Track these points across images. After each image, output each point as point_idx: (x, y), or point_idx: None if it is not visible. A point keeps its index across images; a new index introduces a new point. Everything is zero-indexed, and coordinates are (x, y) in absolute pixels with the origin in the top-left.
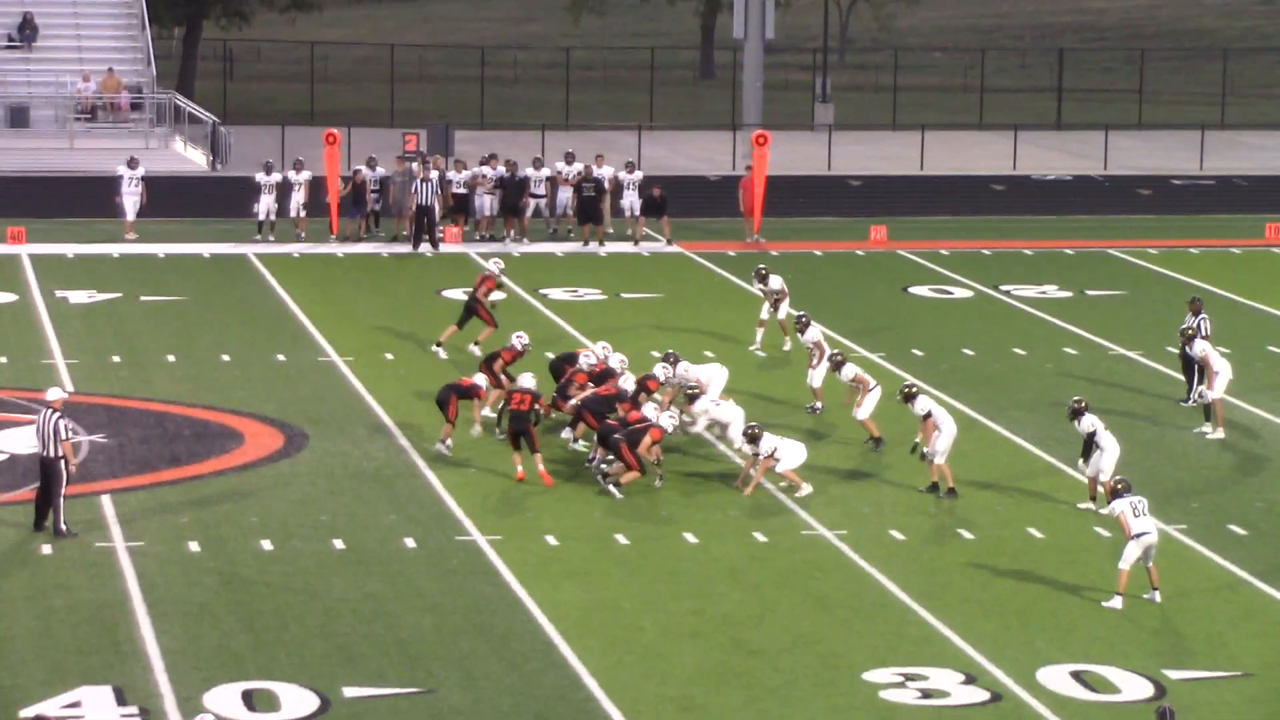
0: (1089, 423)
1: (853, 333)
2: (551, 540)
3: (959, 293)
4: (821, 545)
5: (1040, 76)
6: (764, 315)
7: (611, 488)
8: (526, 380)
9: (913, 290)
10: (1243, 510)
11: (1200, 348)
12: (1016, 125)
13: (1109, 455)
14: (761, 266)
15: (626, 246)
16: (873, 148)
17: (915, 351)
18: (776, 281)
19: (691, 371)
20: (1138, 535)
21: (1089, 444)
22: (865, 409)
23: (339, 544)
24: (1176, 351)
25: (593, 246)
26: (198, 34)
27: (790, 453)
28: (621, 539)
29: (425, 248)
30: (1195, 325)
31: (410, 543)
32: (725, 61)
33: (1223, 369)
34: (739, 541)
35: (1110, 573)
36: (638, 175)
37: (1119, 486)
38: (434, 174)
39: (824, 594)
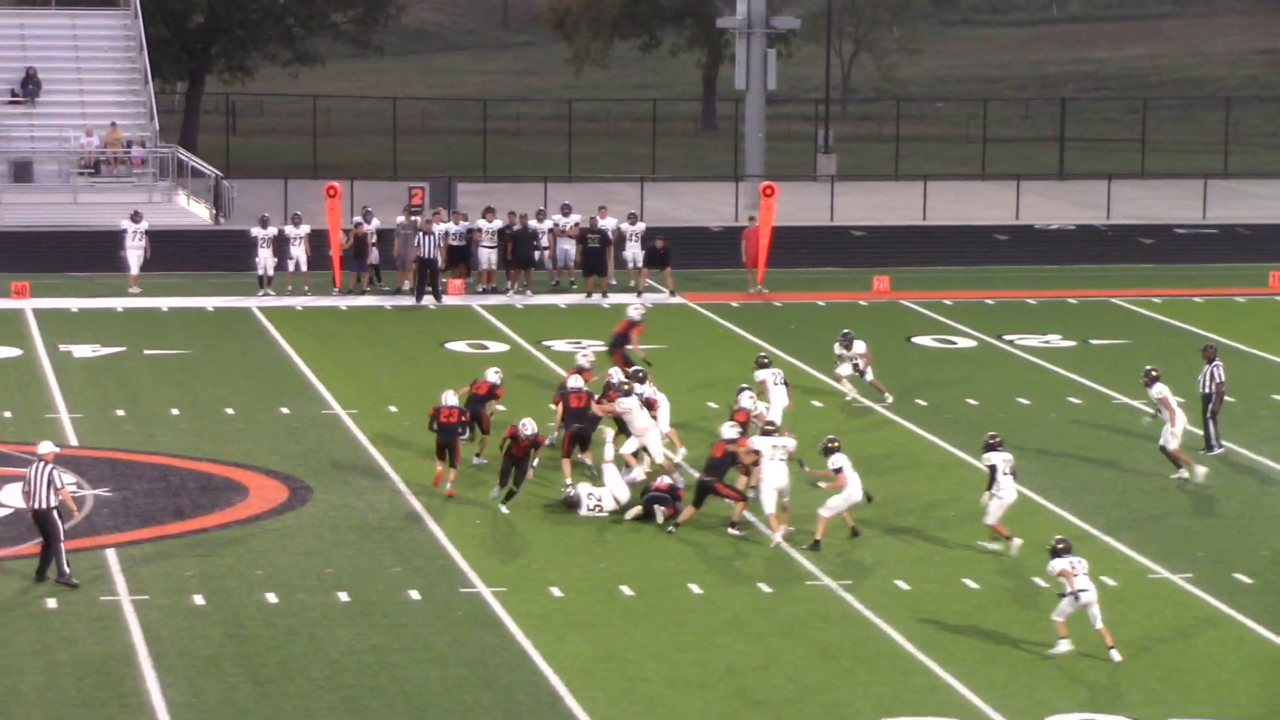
0: (1159, 390)
1: (855, 383)
2: (556, 591)
3: (963, 342)
4: (826, 595)
5: (1043, 126)
6: (841, 372)
7: (671, 529)
8: (450, 398)
9: (916, 340)
10: (1249, 559)
11: (1158, 390)
12: (1019, 175)
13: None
14: (848, 331)
15: (630, 298)
16: (876, 198)
17: (919, 401)
18: (861, 346)
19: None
20: (1078, 592)
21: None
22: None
23: (344, 596)
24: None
25: (596, 298)
26: (200, 88)
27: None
28: (626, 590)
29: (428, 300)
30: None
31: (415, 595)
32: (727, 113)
33: (1179, 415)
34: (744, 592)
35: (1118, 621)
36: (640, 226)
37: (1059, 546)
38: (437, 227)
39: (829, 644)
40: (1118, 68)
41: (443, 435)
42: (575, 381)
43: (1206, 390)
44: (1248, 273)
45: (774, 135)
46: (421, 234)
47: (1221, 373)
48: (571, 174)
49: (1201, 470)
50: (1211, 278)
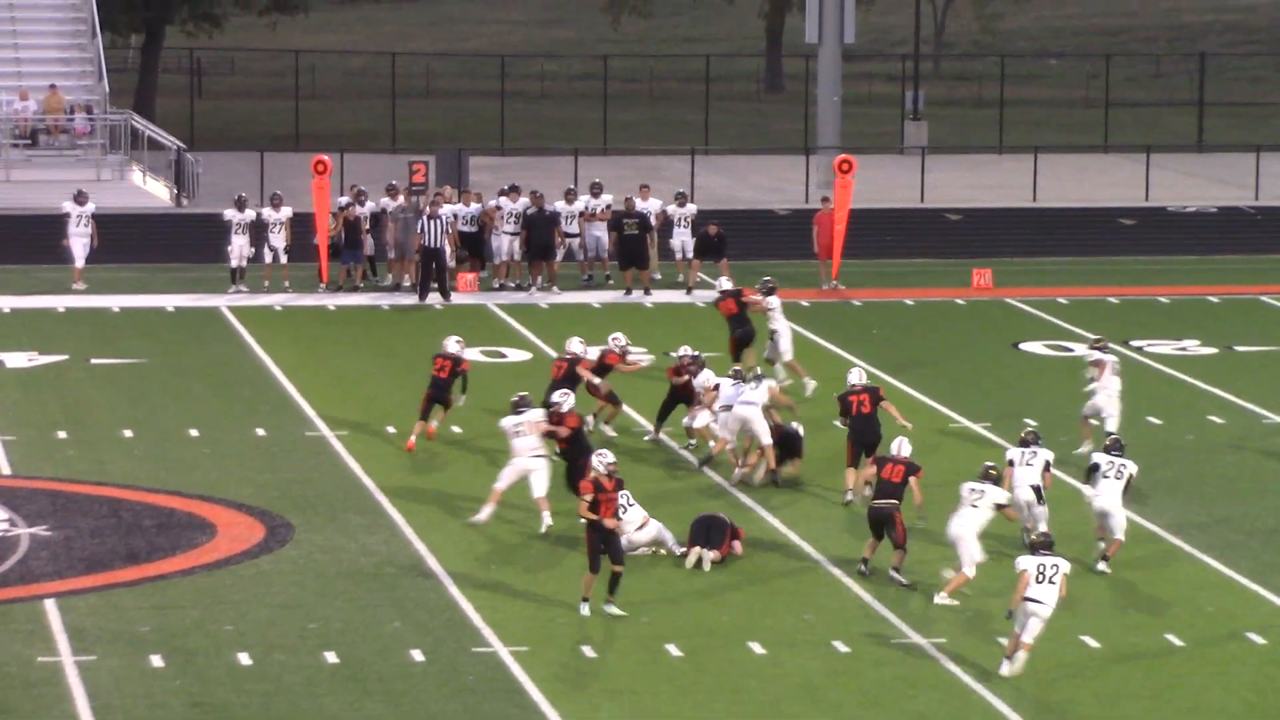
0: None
1: (951, 398)
2: (588, 651)
3: (1081, 349)
4: (915, 656)
5: (1178, 88)
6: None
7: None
8: (451, 345)
9: (1024, 347)
10: None
11: None
12: (1149, 147)
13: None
14: (769, 279)
15: (678, 295)
16: (975, 175)
17: (1028, 421)
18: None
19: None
20: (1029, 599)
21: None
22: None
23: (331, 657)
24: None
25: (636, 295)
26: (159, 42)
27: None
28: (673, 650)
29: (434, 298)
30: None
31: (418, 655)
32: (796, 72)
33: None
34: (816, 652)
35: (1267, 686)
36: (690, 209)
37: (1037, 539)
38: (444, 210)
39: (920, 715)
40: (1268, 16)
41: (433, 389)
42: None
43: None
44: None
45: (852, 99)
46: (425, 218)
47: None
48: (607, 145)
49: None
50: None
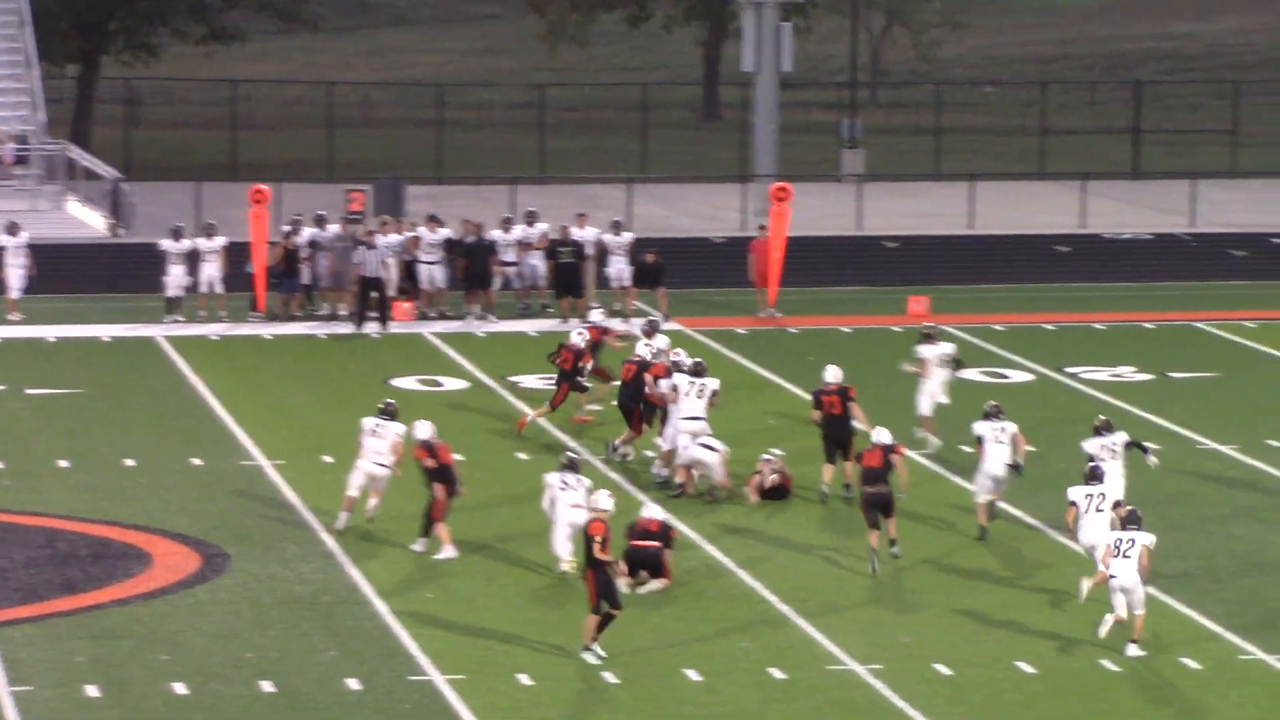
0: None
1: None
2: (525, 680)
3: (1016, 376)
4: (852, 683)
5: (1113, 115)
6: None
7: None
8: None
9: (960, 374)
10: None
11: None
12: (1085, 174)
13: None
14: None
15: (615, 324)
16: (912, 202)
17: (964, 449)
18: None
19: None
20: (1111, 575)
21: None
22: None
23: (267, 686)
24: None
25: (573, 323)
26: (96, 72)
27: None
28: (610, 678)
29: (372, 327)
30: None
31: (354, 684)
32: (733, 100)
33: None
34: (751, 680)
35: (1201, 709)
36: (627, 237)
37: (1124, 515)
38: (382, 240)
39: None
40: (1203, 44)
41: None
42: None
43: None
44: None
45: (789, 127)
46: (364, 247)
47: None
48: (545, 174)
49: None
50: None
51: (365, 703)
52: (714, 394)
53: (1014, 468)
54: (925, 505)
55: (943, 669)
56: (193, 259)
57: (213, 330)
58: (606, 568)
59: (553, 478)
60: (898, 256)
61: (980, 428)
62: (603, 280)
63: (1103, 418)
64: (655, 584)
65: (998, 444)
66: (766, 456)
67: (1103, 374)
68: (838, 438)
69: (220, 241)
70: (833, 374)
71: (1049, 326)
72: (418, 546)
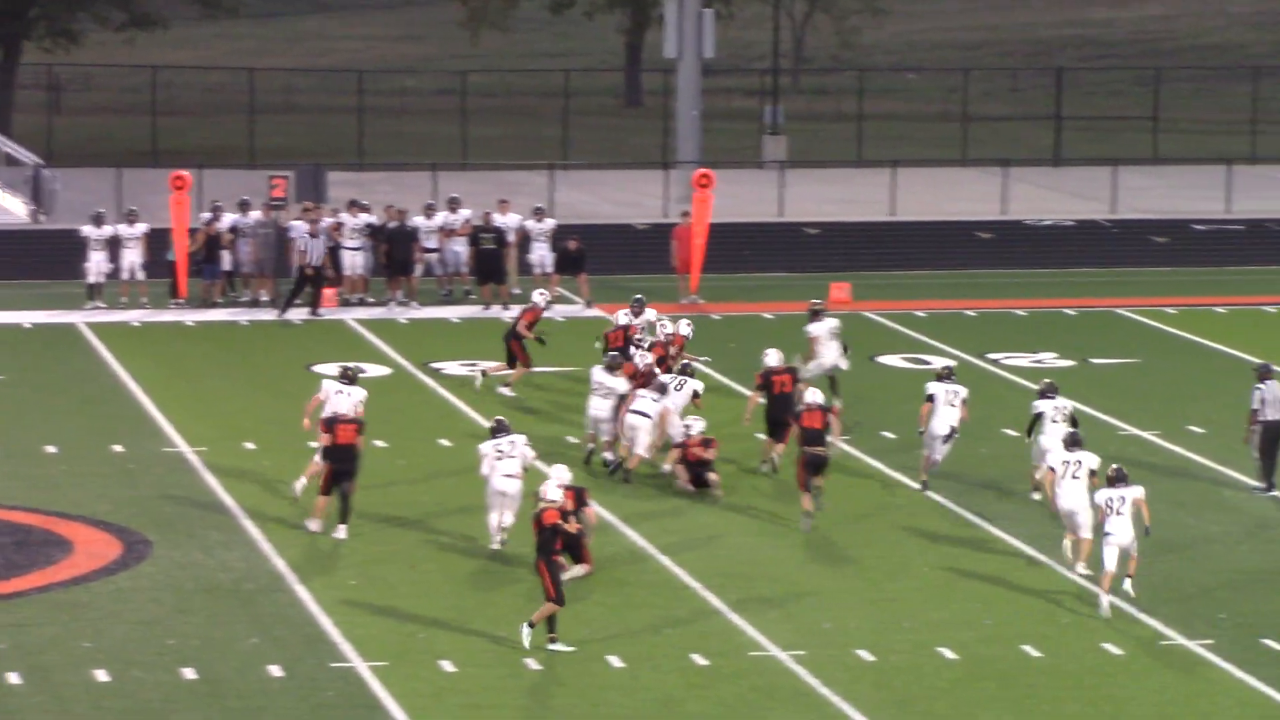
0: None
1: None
2: (447, 666)
3: (938, 362)
4: (774, 669)
5: (1035, 101)
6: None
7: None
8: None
9: (882, 360)
10: (1279, 621)
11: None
12: (1007, 160)
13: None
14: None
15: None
16: (833, 189)
17: (886, 434)
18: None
19: None
20: (1106, 533)
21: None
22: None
23: (189, 673)
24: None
25: (495, 310)
26: (16, 58)
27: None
28: (532, 664)
29: (300, 314)
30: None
31: (276, 671)
32: (655, 87)
33: None
34: (674, 666)
35: (1122, 696)
36: (549, 224)
37: (1112, 474)
38: (304, 226)
39: None
40: (1125, 31)
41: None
42: None
43: (1274, 417)
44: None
45: (711, 113)
46: (309, 236)
47: (1268, 395)
48: (466, 161)
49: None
50: (1237, 283)
51: (288, 690)
52: (695, 395)
53: (952, 432)
54: (847, 492)
55: (865, 655)
56: (114, 245)
57: (134, 316)
58: (554, 561)
59: (487, 446)
60: (819, 243)
61: (934, 387)
62: (525, 267)
63: (1047, 381)
64: (577, 569)
65: (949, 406)
66: (686, 424)
67: (1024, 360)
68: (783, 417)
69: (141, 228)
70: (775, 357)
71: (970, 313)
72: (339, 534)
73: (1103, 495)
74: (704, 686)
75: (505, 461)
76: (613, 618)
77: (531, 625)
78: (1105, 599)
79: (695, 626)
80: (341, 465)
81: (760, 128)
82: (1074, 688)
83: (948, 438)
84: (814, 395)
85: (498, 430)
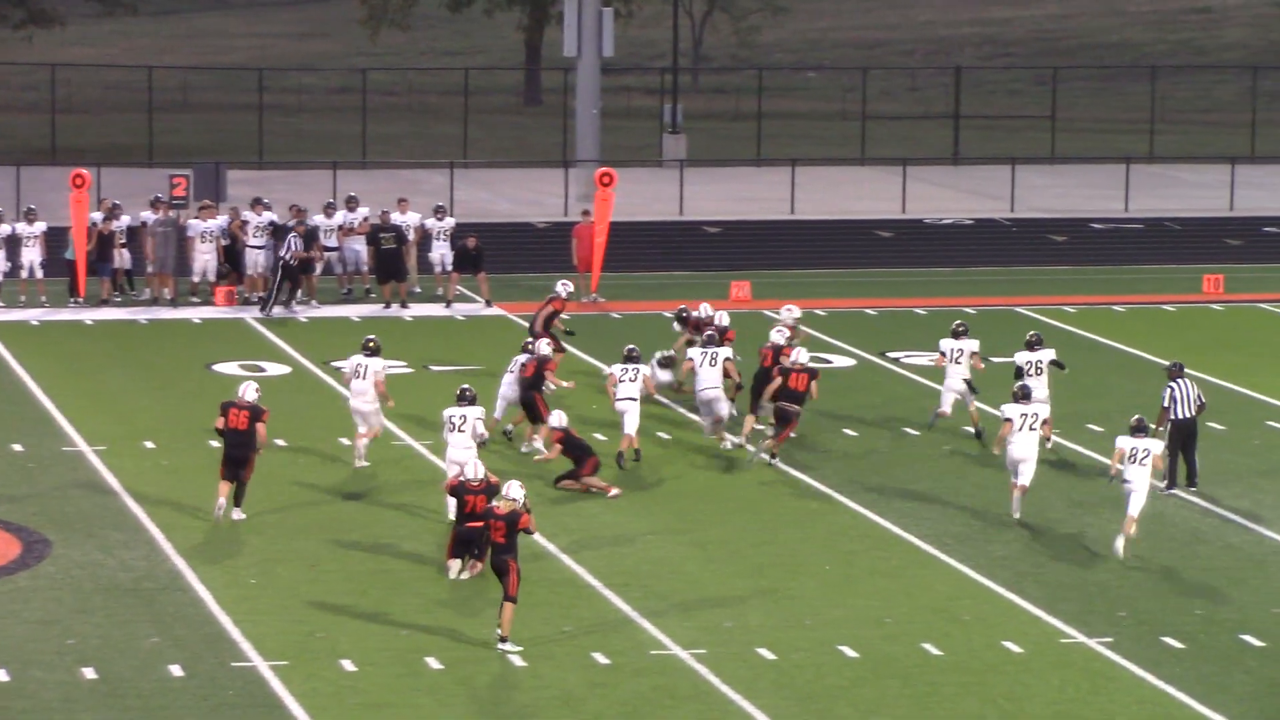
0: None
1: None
2: (348, 665)
3: (839, 361)
4: (675, 667)
5: (934, 100)
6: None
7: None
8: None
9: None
10: (1179, 619)
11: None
12: (906, 159)
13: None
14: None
15: (437, 309)
16: (733, 187)
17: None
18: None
19: None
20: (1125, 480)
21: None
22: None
23: (89, 673)
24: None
25: (394, 309)
26: None
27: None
28: (433, 663)
29: (280, 310)
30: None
31: (176, 670)
32: (555, 85)
33: None
34: (576, 664)
35: (1024, 694)
36: (449, 223)
37: (1135, 424)
38: (202, 225)
39: None
40: (1023, 30)
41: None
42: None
43: (1185, 415)
44: (1178, 276)
45: (611, 112)
46: (294, 235)
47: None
48: (366, 159)
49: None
50: (1135, 282)
51: (188, 689)
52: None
53: (969, 383)
54: (747, 490)
55: (766, 653)
56: (13, 244)
57: (33, 315)
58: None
59: (449, 412)
60: (720, 241)
61: (946, 344)
62: (425, 265)
63: (1034, 333)
64: (481, 566)
65: (956, 364)
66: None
67: (923, 359)
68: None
69: (40, 226)
70: (804, 355)
71: (871, 311)
72: (236, 514)
73: (1126, 442)
74: (605, 685)
75: (455, 435)
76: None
77: (505, 639)
78: (1120, 540)
79: (597, 625)
80: (234, 451)
81: (660, 126)
82: (975, 685)
83: (966, 392)
84: (800, 355)
85: (461, 399)
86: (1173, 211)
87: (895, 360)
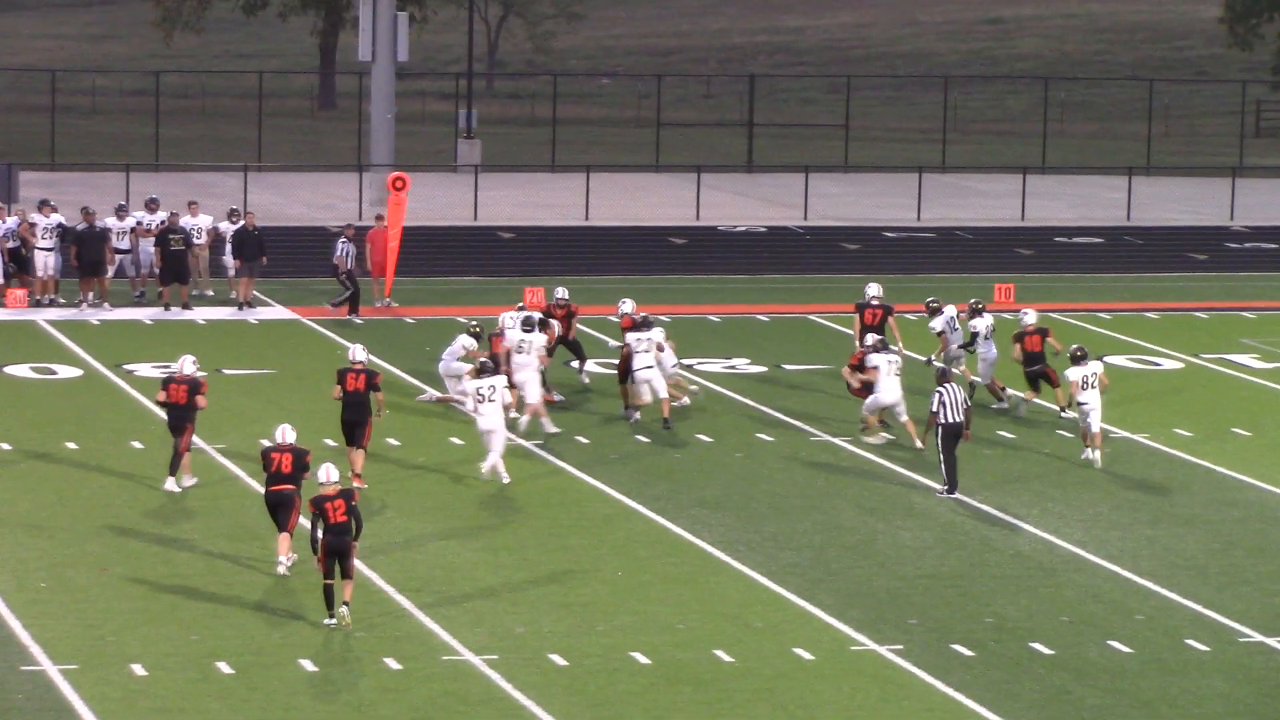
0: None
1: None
2: (139, 670)
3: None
4: (466, 673)
5: (728, 108)
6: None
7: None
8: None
9: (576, 364)
10: (969, 627)
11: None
12: (700, 167)
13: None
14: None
15: (229, 312)
16: (528, 193)
17: (580, 440)
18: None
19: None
20: (1081, 403)
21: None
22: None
23: None
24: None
25: (176, 311)
26: None
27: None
28: (224, 668)
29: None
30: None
31: None
32: (349, 89)
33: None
34: (367, 670)
35: (815, 701)
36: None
37: (1078, 353)
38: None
39: None
40: (816, 38)
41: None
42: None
43: (953, 419)
44: (970, 285)
45: (406, 117)
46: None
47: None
48: (159, 161)
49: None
50: (927, 290)
51: None
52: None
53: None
54: (540, 495)
55: (558, 659)
56: None
57: None
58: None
59: (475, 384)
60: (514, 247)
61: (938, 323)
62: (218, 269)
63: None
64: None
65: (955, 332)
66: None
67: (717, 366)
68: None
69: None
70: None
71: (665, 318)
72: (169, 484)
73: (1076, 372)
74: (397, 690)
75: (486, 404)
76: (305, 622)
77: (346, 603)
78: (1093, 452)
79: (388, 630)
80: (175, 423)
81: (455, 132)
82: (766, 692)
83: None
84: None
85: (483, 371)
86: (965, 221)
87: (688, 367)
